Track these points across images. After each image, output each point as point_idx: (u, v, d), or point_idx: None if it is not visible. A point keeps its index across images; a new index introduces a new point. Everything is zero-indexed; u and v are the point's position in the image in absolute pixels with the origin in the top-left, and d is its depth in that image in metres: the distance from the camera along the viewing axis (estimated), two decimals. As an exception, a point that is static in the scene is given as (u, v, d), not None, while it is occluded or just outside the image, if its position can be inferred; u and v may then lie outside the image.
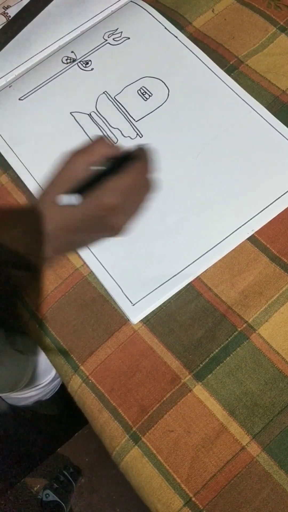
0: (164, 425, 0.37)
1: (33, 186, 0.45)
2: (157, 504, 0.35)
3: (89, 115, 0.47)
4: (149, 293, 0.40)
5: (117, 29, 0.51)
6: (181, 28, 0.50)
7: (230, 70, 0.47)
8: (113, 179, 0.33)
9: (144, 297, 0.40)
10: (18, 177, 0.46)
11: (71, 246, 0.38)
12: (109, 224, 0.35)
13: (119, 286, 0.41)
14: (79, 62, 0.50)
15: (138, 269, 0.41)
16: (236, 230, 0.41)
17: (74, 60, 0.50)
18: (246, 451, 0.35)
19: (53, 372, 0.70)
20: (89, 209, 0.33)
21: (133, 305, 0.40)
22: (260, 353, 0.38)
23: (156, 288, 0.40)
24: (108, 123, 0.46)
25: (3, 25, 0.53)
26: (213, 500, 0.35)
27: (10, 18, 0.53)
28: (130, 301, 0.40)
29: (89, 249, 0.42)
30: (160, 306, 0.40)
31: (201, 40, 0.49)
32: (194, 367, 0.38)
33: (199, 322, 0.39)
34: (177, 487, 0.35)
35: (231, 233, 0.41)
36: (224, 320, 0.39)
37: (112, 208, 0.33)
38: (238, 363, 0.38)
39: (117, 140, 0.45)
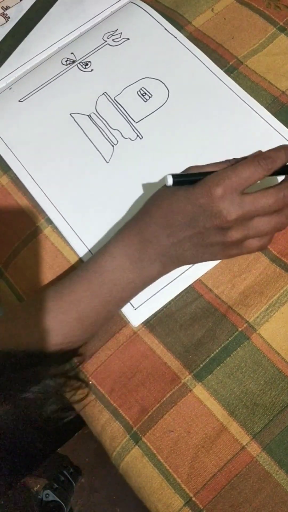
0: (164, 425, 0.37)
1: (33, 188, 0.45)
2: (157, 504, 0.36)
3: (89, 116, 0.47)
4: (151, 297, 0.40)
5: (116, 30, 0.51)
6: (180, 27, 0.50)
7: (230, 70, 0.48)
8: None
9: (145, 301, 0.40)
10: (18, 179, 0.46)
11: (177, 253, 0.34)
12: (222, 231, 0.30)
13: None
14: (79, 63, 0.50)
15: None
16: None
17: (73, 62, 0.50)
18: (246, 451, 0.35)
19: None
20: (199, 198, 0.29)
21: (135, 309, 0.40)
22: (260, 353, 0.38)
23: (157, 292, 0.40)
24: (108, 124, 0.46)
25: (2, 25, 0.53)
26: (213, 500, 0.35)
27: (9, 19, 0.53)
28: (132, 305, 0.40)
29: (87, 248, 0.42)
30: (160, 307, 0.40)
31: (200, 40, 0.49)
32: (194, 367, 0.38)
33: (199, 322, 0.39)
34: (177, 487, 0.35)
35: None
36: (224, 320, 0.39)
37: (220, 197, 0.29)
38: (238, 363, 0.38)
39: (117, 141, 0.45)
